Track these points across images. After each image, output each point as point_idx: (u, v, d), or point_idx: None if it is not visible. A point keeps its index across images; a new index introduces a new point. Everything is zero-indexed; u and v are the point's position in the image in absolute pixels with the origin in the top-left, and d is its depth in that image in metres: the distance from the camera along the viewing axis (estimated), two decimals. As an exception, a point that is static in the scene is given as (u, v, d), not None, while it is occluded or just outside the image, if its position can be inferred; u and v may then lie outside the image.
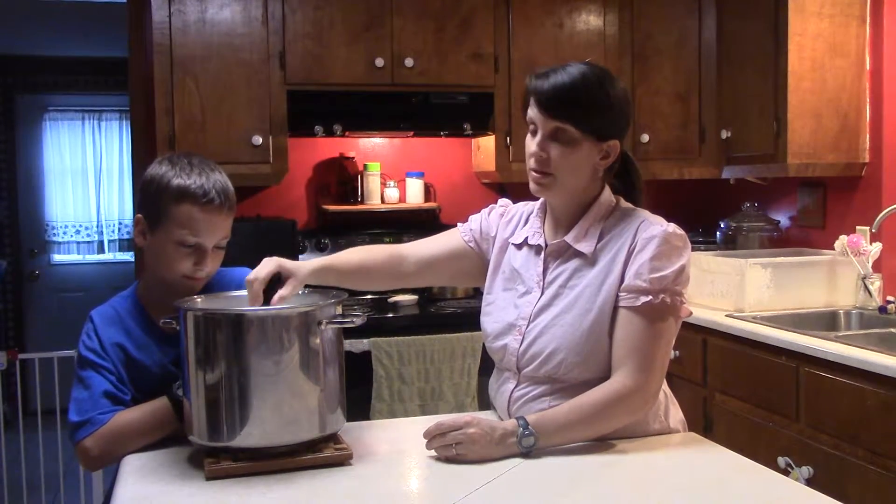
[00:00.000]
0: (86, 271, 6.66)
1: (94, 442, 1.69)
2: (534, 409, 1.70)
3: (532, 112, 1.68)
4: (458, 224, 1.96)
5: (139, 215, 1.81)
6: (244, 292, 1.74)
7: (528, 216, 1.85)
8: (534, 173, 1.70)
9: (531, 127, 1.70)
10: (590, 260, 1.70)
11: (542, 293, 1.74)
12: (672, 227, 1.67)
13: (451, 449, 1.59)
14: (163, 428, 1.72)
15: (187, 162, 1.80)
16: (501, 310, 1.80)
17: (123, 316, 1.84)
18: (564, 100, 1.64)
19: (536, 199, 1.82)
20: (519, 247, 1.82)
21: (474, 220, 1.93)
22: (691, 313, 1.77)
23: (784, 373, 2.78)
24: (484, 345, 1.90)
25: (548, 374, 1.70)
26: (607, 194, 1.75)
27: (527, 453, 1.61)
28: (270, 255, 1.69)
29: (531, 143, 1.69)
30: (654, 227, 1.66)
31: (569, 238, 1.72)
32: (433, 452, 1.62)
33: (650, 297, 1.63)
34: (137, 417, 1.71)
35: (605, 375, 1.66)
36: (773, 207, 3.92)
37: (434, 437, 1.61)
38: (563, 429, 1.63)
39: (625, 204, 1.77)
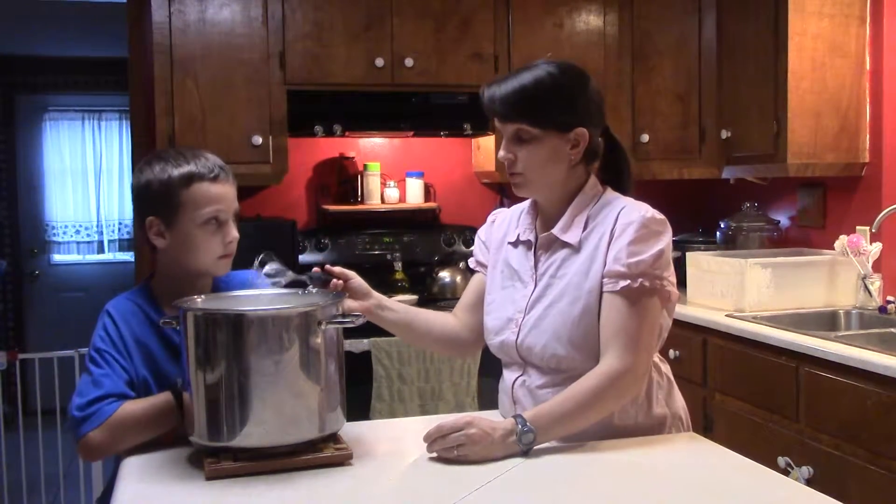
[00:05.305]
0: (86, 271, 6.66)
1: (98, 433, 1.66)
2: (538, 397, 1.74)
3: (495, 120, 1.75)
4: (469, 262, 2.02)
5: (151, 217, 1.81)
6: (244, 292, 1.79)
7: (521, 214, 1.89)
8: (509, 176, 1.76)
9: (501, 133, 1.76)
10: (576, 249, 1.74)
11: (535, 285, 1.78)
12: (651, 212, 1.70)
13: (452, 451, 1.59)
14: (165, 423, 1.71)
15: (175, 153, 1.83)
16: (500, 307, 1.84)
17: (146, 311, 1.83)
18: (512, 101, 1.70)
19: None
20: (515, 245, 1.86)
21: (476, 250, 1.99)
22: (679, 296, 1.80)
23: (784, 373, 2.78)
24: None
25: (547, 364, 1.73)
26: (593, 183, 1.79)
27: (528, 450, 1.61)
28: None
29: (500, 149, 1.75)
30: (633, 213, 1.70)
31: (555, 230, 1.76)
32: (434, 453, 1.62)
33: (629, 281, 1.66)
34: (142, 409, 1.70)
35: None
36: (773, 207, 3.92)
37: (435, 440, 1.61)
38: (560, 420, 1.64)
39: (611, 193, 1.79)
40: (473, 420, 1.61)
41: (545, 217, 1.81)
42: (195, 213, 1.78)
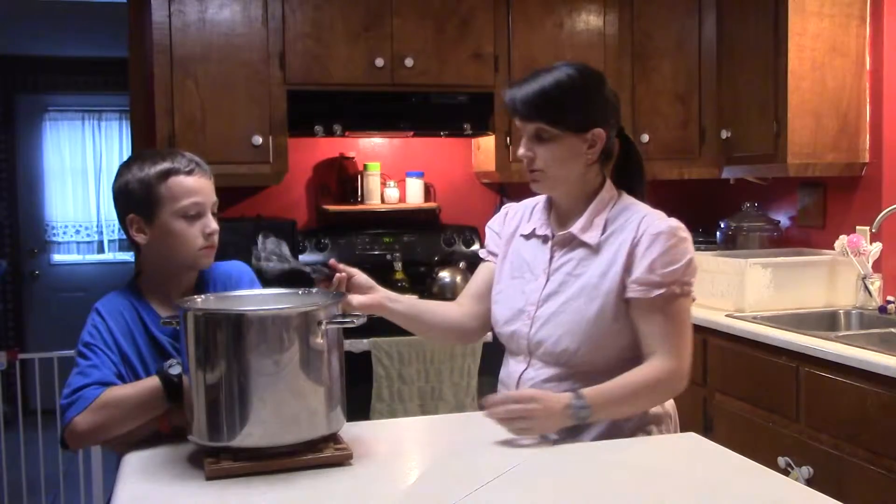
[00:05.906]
0: (86, 271, 6.66)
1: (83, 417, 1.68)
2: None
3: (515, 120, 1.80)
4: (480, 253, 2.06)
5: (131, 215, 1.85)
6: (244, 292, 1.80)
7: (534, 209, 1.94)
8: (529, 172, 1.82)
9: (521, 132, 1.82)
10: (594, 250, 1.79)
11: (548, 280, 1.82)
12: (675, 222, 1.78)
13: (512, 422, 1.65)
14: (152, 407, 1.71)
15: (152, 153, 1.90)
16: (510, 297, 1.88)
17: (134, 308, 1.86)
18: (532, 102, 1.75)
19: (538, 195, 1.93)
20: (528, 237, 1.91)
21: (488, 240, 2.03)
22: (695, 299, 1.86)
23: (784, 373, 2.78)
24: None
25: (557, 359, 1.78)
26: (609, 186, 1.84)
27: (581, 423, 1.68)
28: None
29: (520, 147, 1.81)
30: (659, 223, 1.76)
31: (574, 229, 1.81)
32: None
33: (663, 289, 1.73)
34: (128, 394, 1.71)
35: (613, 362, 1.75)
36: (773, 207, 3.92)
37: (499, 407, 1.65)
38: (614, 403, 1.71)
39: (627, 198, 1.85)
40: (536, 395, 1.67)
41: (560, 214, 1.86)
42: (174, 205, 1.82)
